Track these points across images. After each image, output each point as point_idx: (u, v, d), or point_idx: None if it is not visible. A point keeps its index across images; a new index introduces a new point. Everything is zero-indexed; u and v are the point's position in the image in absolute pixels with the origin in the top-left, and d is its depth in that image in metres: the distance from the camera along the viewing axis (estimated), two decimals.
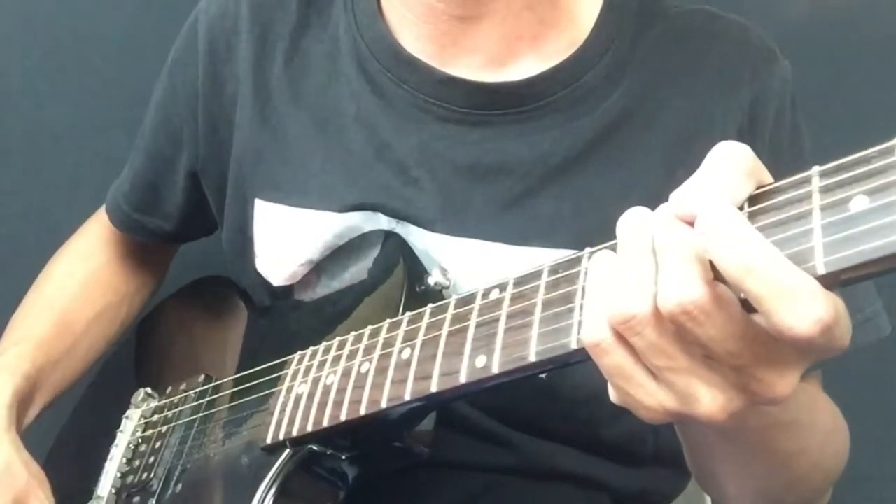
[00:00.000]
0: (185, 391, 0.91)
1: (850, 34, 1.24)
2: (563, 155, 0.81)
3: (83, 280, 1.05)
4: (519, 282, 0.60)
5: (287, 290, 0.90)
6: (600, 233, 0.77)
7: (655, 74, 0.82)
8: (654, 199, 0.78)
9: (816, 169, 0.45)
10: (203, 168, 0.96)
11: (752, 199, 0.48)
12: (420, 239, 0.82)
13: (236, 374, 0.87)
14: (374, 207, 0.83)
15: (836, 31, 1.24)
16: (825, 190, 0.44)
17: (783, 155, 0.82)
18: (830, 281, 0.43)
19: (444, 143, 0.82)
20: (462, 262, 0.80)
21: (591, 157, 0.81)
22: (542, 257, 0.77)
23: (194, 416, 0.87)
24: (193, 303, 1.09)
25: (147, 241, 1.06)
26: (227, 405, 0.84)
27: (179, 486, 0.83)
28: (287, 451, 0.73)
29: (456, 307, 0.63)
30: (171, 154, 0.98)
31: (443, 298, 0.70)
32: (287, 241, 0.87)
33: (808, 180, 0.45)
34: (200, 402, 0.88)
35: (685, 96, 0.82)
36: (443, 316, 0.64)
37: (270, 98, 0.88)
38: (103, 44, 1.22)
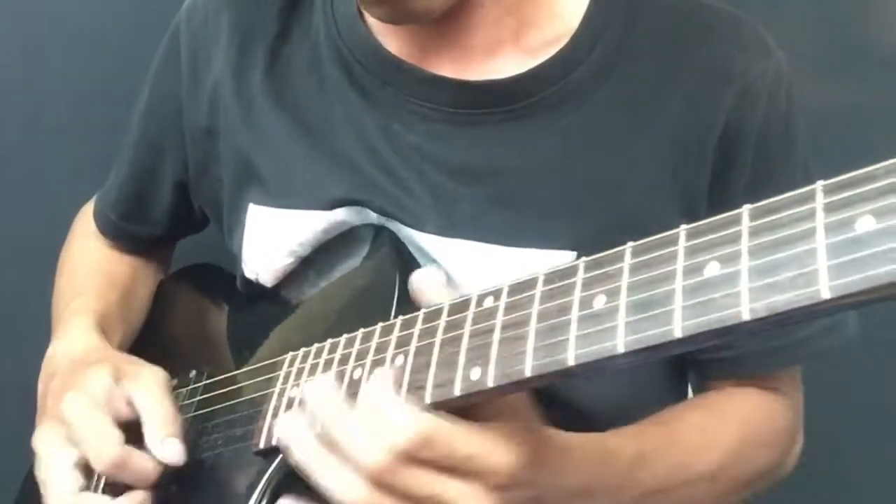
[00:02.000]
0: (177, 388, 0.90)
1: (850, 32, 1.23)
2: (553, 155, 0.79)
3: (101, 248, 1.05)
4: (513, 290, 0.58)
5: (277, 289, 0.89)
6: (593, 231, 0.78)
7: (645, 69, 0.80)
8: (647, 195, 0.79)
9: (820, 184, 0.44)
10: (194, 180, 0.95)
11: (754, 215, 0.46)
12: (411, 238, 0.81)
13: (227, 371, 0.86)
14: (362, 203, 0.82)
15: (836, 29, 1.23)
16: (829, 208, 0.43)
17: (774, 152, 0.81)
18: (834, 305, 0.41)
19: (432, 144, 0.81)
20: (455, 262, 0.79)
21: (581, 155, 0.80)
22: (536, 257, 0.78)
23: (186, 415, 0.86)
24: (180, 292, 1.08)
25: (135, 247, 1.05)
26: (220, 405, 0.83)
27: (174, 486, 0.82)
28: (281, 455, 0.72)
29: (449, 314, 0.62)
30: (154, 165, 0.98)
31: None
32: (276, 241, 0.86)
33: (811, 196, 0.44)
34: (192, 400, 0.87)
35: (676, 92, 0.80)
36: (436, 322, 0.62)
37: (253, 104, 0.87)
38: (102, 44, 1.21)
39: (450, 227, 0.80)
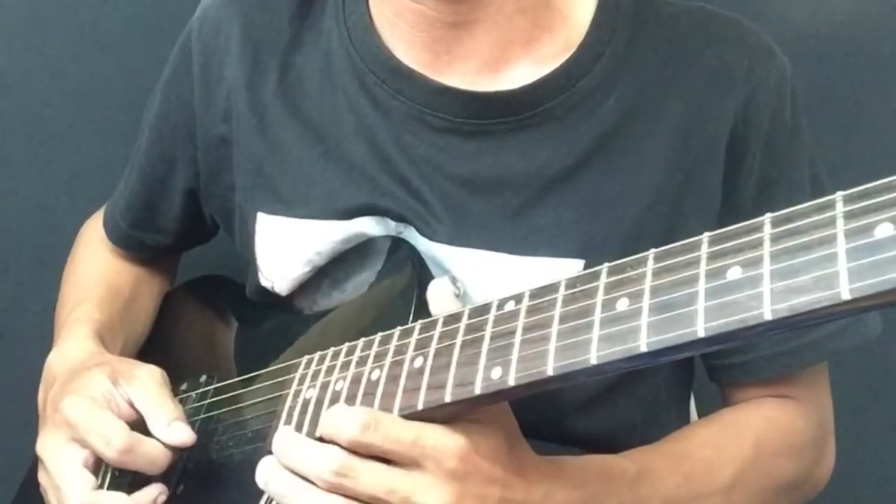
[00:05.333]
0: (186, 391, 0.91)
1: (851, 32, 1.25)
2: (560, 164, 0.81)
3: (107, 257, 1.06)
4: (535, 294, 0.60)
5: (289, 298, 0.90)
6: (602, 240, 0.80)
7: (651, 77, 0.82)
8: (654, 203, 0.81)
9: (840, 194, 0.46)
10: (205, 189, 0.96)
11: (775, 222, 0.49)
12: (425, 247, 0.82)
13: (236, 376, 0.87)
14: (381, 211, 0.83)
15: (837, 30, 1.25)
16: (849, 216, 0.45)
17: (780, 153, 0.83)
18: (853, 306, 0.44)
19: (443, 155, 0.82)
20: (466, 271, 0.80)
21: (588, 164, 0.81)
22: (546, 266, 0.79)
23: (196, 418, 0.87)
24: (189, 302, 1.08)
25: (144, 256, 1.06)
26: (231, 407, 0.84)
27: (181, 486, 0.83)
28: None
29: (470, 317, 0.63)
30: (165, 173, 0.98)
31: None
32: (292, 251, 0.87)
33: (831, 205, 0.46)
34: (202, 403, 0.88)
35: (681, 99, 0.81)
36: (456, 325, 0.64)
37: (266, 113, 0.88)
38: (103, 44, 1.22)
39: (461, 237, 0.81)
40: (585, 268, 0.76)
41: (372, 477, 0.63)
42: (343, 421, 0.64)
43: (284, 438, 0.68)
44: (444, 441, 0.63)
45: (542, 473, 0.67)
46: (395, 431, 0.63)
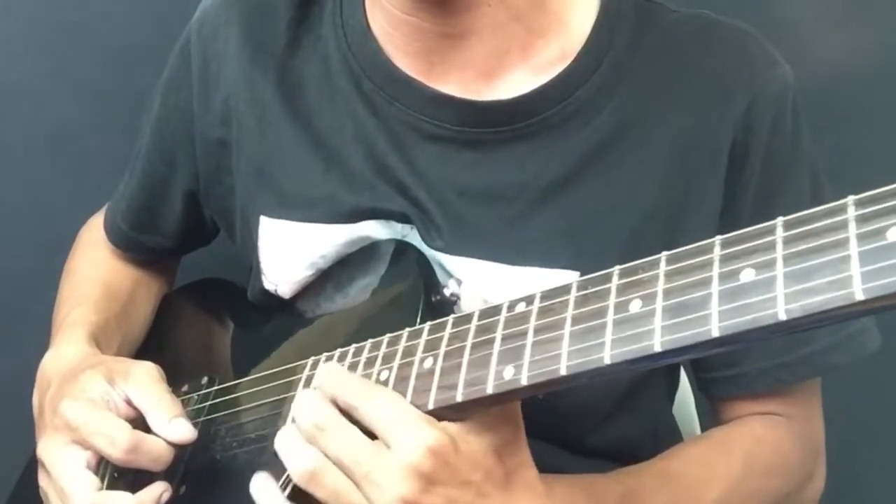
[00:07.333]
0: (188, 393, 0.91)
1: (851, 36, 1.26)
2: (555, 175, 0.80)
3: (106, 259, 1.06)
4: (546, 296, 0.60)
5: (293, 301, 0.90)
6: (597, 251, 0.79)
7: (650, 86, 0.81)
8: (651, 214, 0.81)
9: (852, 198, 0.47)
10: (205, 191, 0.96)
11: (788, 225, 0.49)
12: (427, 251, 0.82)
13: (238, 378, 0.87)
14: (384, 215, 0.84)
15: (837, 33, 1.26)
16: (862, 219, 0.46)
17: (781, 163, 0.82)
18: (867, 307, 0.45)
19: (439, 163, 0.82)
20: (463, 279, 0.81)
21: (583, 175, 0.80)
22: (541, 277, 0.79)
23: (197, 419, 0.87)
24: (187, 305, 1.09)
25: (145, 258, 1.06)
26: (234, 409, 0.84)
27: (184, 487, 0.83)
28: None
29: (480, 318, 0.63)
30: (166, 175, 0.98)
31: (455, 310, 0.71)
32: (296, 254, 0.87)
33: (843, 209, 0.47)
34: (204, 404, 0.88)
35: (680, 108, 0.81)
36: (466, 326, 0.64)
37: (265, 115, 0.88)
38: (103, 44, 1.22)
39: (456, 245, 0.81)
40: None
41: (344, 441, 0.64)
42: (344, 383, 0.67)
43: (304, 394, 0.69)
44: (418, 432, 0.61)
45: (527, 489, 0.66)
46: (378, 404, 0.64)
